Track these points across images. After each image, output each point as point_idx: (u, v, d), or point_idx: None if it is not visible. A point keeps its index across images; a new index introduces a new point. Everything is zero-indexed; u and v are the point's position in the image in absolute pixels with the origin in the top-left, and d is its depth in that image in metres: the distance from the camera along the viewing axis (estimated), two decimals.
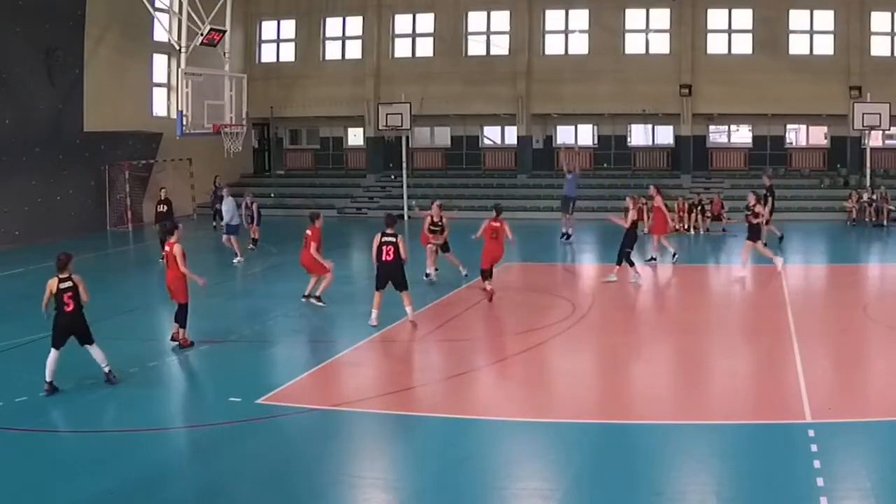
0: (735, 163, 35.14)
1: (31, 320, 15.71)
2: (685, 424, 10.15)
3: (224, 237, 22.71)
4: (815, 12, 32.74)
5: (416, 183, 34.41)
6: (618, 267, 18.76)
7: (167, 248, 13.76)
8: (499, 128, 37.57)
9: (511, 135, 36.61)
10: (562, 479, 8.77)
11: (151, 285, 19.32)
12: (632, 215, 18.91)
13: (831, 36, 32.69)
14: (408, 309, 14.87)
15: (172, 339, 13.86)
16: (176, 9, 27.59)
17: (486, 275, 17.39)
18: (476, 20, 35.98)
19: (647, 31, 34.41)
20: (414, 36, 36.43)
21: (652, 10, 34.08)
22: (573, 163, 27.54)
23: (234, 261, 22.41)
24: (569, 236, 26.09)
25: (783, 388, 11.31)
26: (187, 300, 13.68)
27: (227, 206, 22.62)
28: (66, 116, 27.68)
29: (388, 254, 14.62)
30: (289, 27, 37.59)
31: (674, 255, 21.71)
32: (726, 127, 36.21)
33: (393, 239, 14.65)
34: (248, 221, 25.83)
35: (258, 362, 13.30)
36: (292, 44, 37.53)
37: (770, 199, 24.16)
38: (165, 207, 23.70)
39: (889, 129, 31.14)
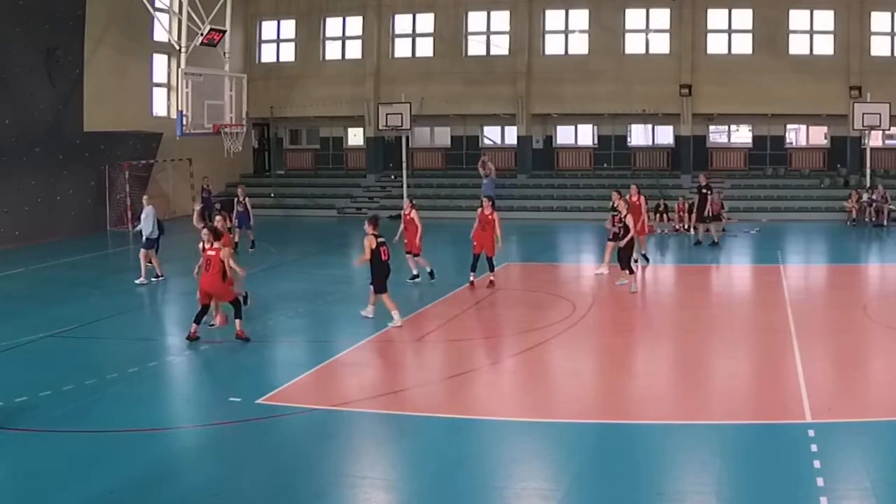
0: (735, 163, 35.14)
1: (32, 320, 15.78)
2: (685, 424, 10.15)
3: (142, 252, 19.58)
4: (815, 12, 32.73)
5: (416, 183, 34.42)
6: (630, 273, 18.22)
7: (212, 252, 13.81)
8: (499, 128, 37.57)
9: (511, 135, 36.60)
10: (562, 479, 8.77)
11: (151, 285, 19.29)
12: (628, 218, 18.21)
13: (831, 36, 32.69)
14: (395, 314, 14.94)
15: (188, 338, 13.88)
16: (176, 9, 27.58)
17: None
18: (476, 20, 35.97)
19: (647, 31, 34.40)
20: (414, 36, 36.42)
21: (652, 10, 34.06)
22: (489, 167, 27.47)
23: (137, 281, 19.32)
24: None
25: (783, 388, 11.31)
26: (234, 295, 14.04)
27: (146, 214, 19.87)
28: (66, 116, 27.67)
29: (385, 254, 14.96)
30: (289, 27, 37.58)
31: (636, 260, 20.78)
32: (726, 127, 36.21)
33: (384, 239, 15.13)
34: (238, 223, 24.24)
35: (258, 362, 13.29)
36: (292, 44, 37.52)
37: (703, 197, 24.71)
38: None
39: (889, 129, 31.14)
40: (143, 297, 18.52)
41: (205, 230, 14.31)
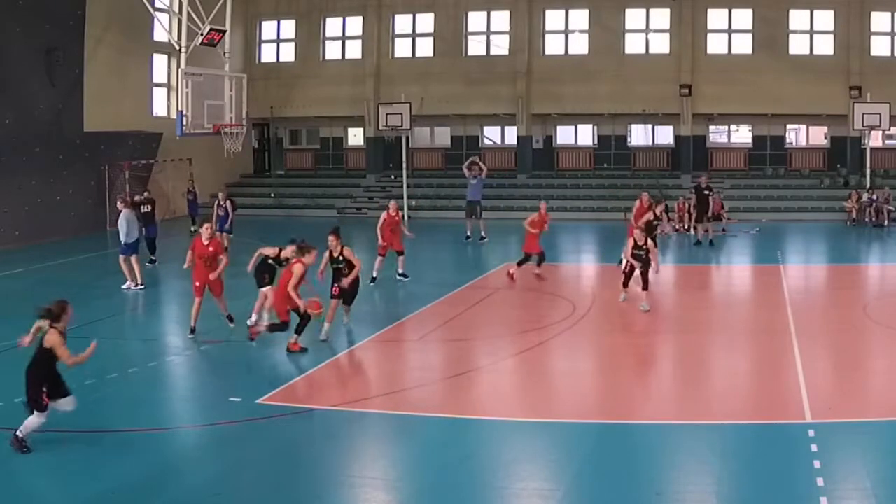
0: (735, 163, 35.13)
1: (32, 320, 15.73)
2: (685, 424, 10.16)
3: (121, 258, 19.02)
4: (815, 12, 32.73)
5: (416, 183, 34.40)
6: (645, 292, 16.48)
7: (297, 264, 13.18)
8: (499, 128, 37.55)
9: (511, 135, 36.59)
10: (562, 479, 8.78)
11: (151, 285, 19.29)
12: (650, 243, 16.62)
13: (831, 36, 32.68)
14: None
15: (250, 338, 13.72)
16: (176, 9, 27.61)
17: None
18: (476, 20, 35.95)
19: (647, 31, 34.39)
20: (414, 36, 36.40)
21: (652, 10, 34.05)
22: (476, 167, 27.51)
23: (124, 286, 18.74)
24: (482, 238, 26.27)
25: (783, 388, 11.32)
26: (287, 316, 13.39)
27: (122, 221, 19.05)
28: (66, 116, 27.67)
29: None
30: (289, 27, 37.57)
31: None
32: (726, 127, 36.20)
33: None
34: (219, 227, 22.53)
35: (258, 362, 13.30)
36: (292, 44, 37.50)
37: (705, 198, 24.96)
38: (149, 208, 22.10)
39: (889, 129, 31.12)
40: (143, 298, 18.50)
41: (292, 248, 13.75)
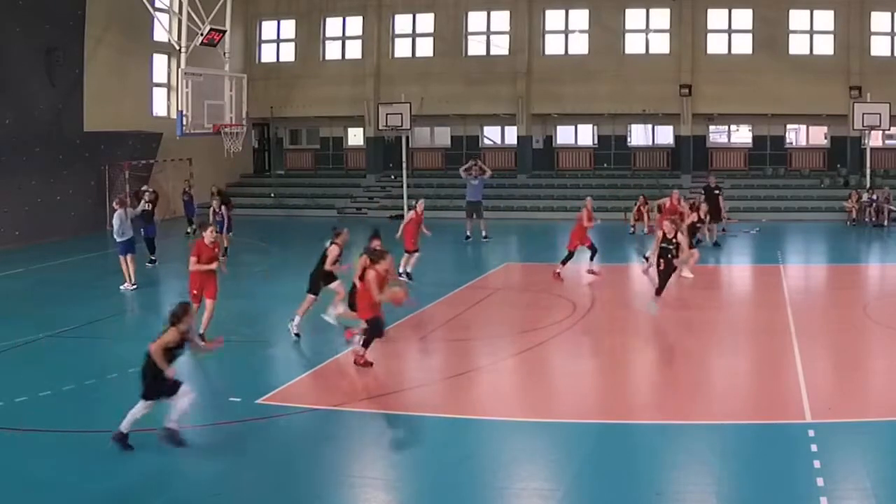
0: (735, 163, 35.14)
1: (32, 320, 15.76)
2: (685, 424, 10.16)
3: (120, 258, 18.93)
4: (815, 12, 32.74)
5: (417, 183, 34.39)
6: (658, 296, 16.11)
7: (370, 272, 12.62)
8: (499, 128, 37.56)
9: (511, 135, 36.60)
10: (562, 479, 8.78)
11: (150, 285, 19.29)
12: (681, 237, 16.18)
13: (831, 36, 32.69)
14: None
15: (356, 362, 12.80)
16: (176, 9, 27.61)
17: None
18: (476, 20, 35.96)
19: (647, 31, 34.39)
20: (414, 36, 36.41)
21: (652, 10, 34.06)
22: (476, 168, 27.48)
23: (122, 287, 18.70)
24: (485, 237, 26.43)
25: (783, 388, 11.32)
26: (370, 315, 12.75)
27: (115, 219, 19.09)
28: (66, 116, 27.67)
29: None
30: (289, 27, 37.58)
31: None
32: (726, 127, 36.21)
33: None
34: (218, 230, 22.24)
35: (258, 362, 13.31)
36: (292, 44, 37.51)
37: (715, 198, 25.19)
38: (150, 206, 22.07)
39: (889, 129, 31.12)
40: (143, 298, 18.49)
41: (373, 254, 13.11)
